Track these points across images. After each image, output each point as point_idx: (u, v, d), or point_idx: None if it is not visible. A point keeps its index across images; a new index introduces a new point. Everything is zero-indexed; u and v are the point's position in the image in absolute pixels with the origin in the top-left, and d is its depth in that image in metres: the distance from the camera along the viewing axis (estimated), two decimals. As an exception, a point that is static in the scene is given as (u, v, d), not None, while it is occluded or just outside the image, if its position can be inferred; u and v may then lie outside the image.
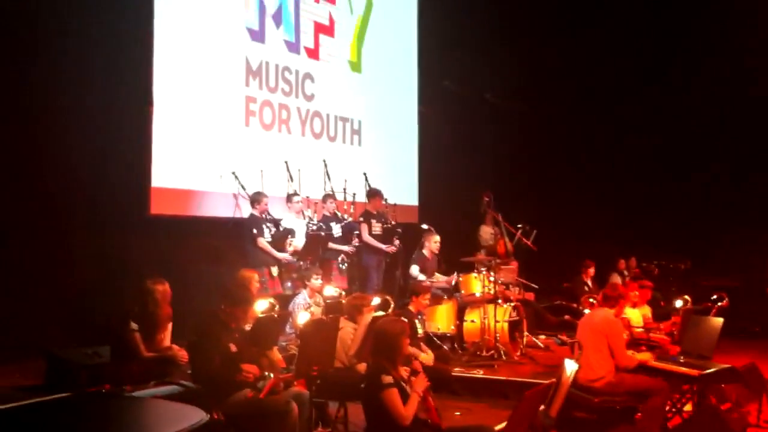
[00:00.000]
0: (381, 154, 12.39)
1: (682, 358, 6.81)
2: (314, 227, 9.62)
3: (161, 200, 8.99)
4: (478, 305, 9.40)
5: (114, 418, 4.22)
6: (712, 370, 6.37)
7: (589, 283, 12.12)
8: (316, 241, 9.42)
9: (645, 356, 6.83)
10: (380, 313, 6.87)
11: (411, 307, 8.29)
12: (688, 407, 7.09)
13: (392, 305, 7.69)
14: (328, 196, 10.07)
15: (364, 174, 10.99)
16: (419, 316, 8.75)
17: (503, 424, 5.13)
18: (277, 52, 10.63)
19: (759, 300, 9.04)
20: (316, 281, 8.16)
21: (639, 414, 6.61)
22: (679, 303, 9.10)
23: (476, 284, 9.65)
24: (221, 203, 9.57)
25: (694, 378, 6.42)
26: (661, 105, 15.41)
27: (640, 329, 7.98)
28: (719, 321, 6.96)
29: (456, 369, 8.36)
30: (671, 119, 15.38)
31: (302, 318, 7.45)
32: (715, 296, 8.51)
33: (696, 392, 6.92)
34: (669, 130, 15.40)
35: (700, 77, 14.95)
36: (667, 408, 6.83)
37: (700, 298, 9.31)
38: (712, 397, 6.82)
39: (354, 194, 10.80)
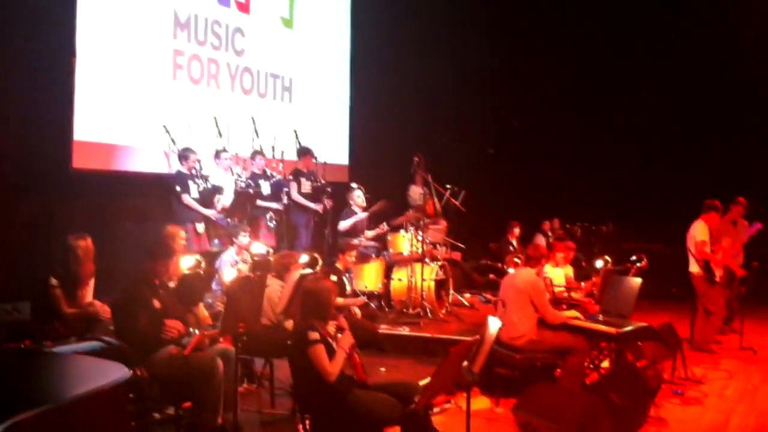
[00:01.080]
0: (312, 112, 12.28)
1: (601, 316, 7.01)
2: (243, 184, 9.52)
3: (84, 155, 8.72)
4: (406, 264, 9.49)
5: (34, 374, 4.12)
6: (629, 328, 6.59)
7: (515, 243, 12.35)
8: (245, 198, 9.32)
9: (572, 313, 7.01)
10: (308, 270, 6.87)
11: (338, 265, 8.33)
12: (605, 364, 7.34)
13: (320, 263, 7.70)
14: (257, 153, 9.95)
15: (295, 132, 10.89)
16: (347, 274, 8.80)
17: (428, 380, 5.23)
18: (206, 5, 10.36)
19: (677, 262, 9.34)
20: (243, 239, 8.09)
21: (559, 370, 6.82)
22: (600, 264, 9.32)
23: (404, 243, 9.72)
24: (147, 158, 9.36)
25: (612, 336, 6.63)
26: (589, 67, 15.66)
27: (562, 288, 8.17)
28: (638, 281, 7.18)
29: (383, 326, 8.45)
30: (597, 84, 15.65)
31: (229, 275, 7.39)
32: (634, 257, 8.75)
33: (614, 350, 7.16)
34: (595, 96, 15.68)
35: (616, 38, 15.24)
36: (586, 364, 7.05)
37: (621, 259, 9.57)
38: (630, 355, 7.05)
39: (282, 152, 10.69)
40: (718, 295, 9.01)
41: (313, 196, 10.26)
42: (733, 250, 9.27)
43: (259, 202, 9.60)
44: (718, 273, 8.89)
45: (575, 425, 5.59)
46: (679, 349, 7.45)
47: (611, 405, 5.91)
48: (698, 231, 8.87)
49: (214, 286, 7.66)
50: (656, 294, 9.17)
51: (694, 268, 8.95)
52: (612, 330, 6.58)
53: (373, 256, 9.90)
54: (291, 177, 10.22)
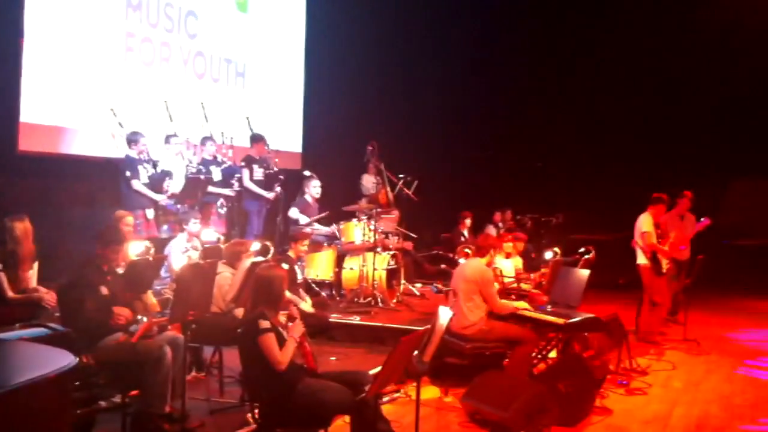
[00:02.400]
0: (265, 98, 12.18)
1: (549, 307, 7.09)
2: (193, 170, 9.40)
3: (31, 137, 8.55)
4: (358, 253, 9.49)
5: (-24, 361, 4.03)
6: (577, 319, 6.67)
7: (466, 233, 12.43)
8: (195, 184, 9.20)
9: (521, 304, 7.08)
10: (259, 258, 6.83)
11: (290, 253, 8.30)
12: (553, 354, 7.44)
13: (272, 251, 7.65)
14: (207, 139, 9.83)
15: (247, 118, 10.79)
16: (299, 263, 8.77)
17: (378, 369, 5.24)
18: (159, -14, 10.21)
19: (624, 254, 9.50)
20: (194, 225, 8.00)
21: (507, 360, 6.89)
22: (549, 255, 9.45)
23: (356, 232, 9.71)
24: (96, 142, 9.19)
25: (560, 327, 6.70)
26: (541, 59, 15.81)
27: (511, 279, 8.25)
28: (586, 273, 7.27)
29: (334, 315, 8.44)
30: (549, 77, 15.81)
31: (179, 262, 7.33)
32: (583, 249, 8.88)
33: (561, 340, 7.26)
34: (547, 90, 15.84)
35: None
36: (534, 354, 7.14)
37: (570, 250, 9.71)
38: (576, 345, 7.18)
39: (231, 138, 10.58)
40: (665, 286, 9.19)
41: (266, 184, 10.19)
42: (680, 244, 9.45)
43: (210, 189, 9.49)
44: (665, 265, 9.06)
45: (522, 414, 5.66)
46: (624, 340, 7.58)
47: (558, 394, 6.00)
48: (643, 222, 9.03)
49: (163, 273, 7.58)
50: (604, 285, 9.33)
51: (641, 259, 9.10)
52: (560, 321, 6.65)
53: (325, 244, 9.87)
54: (243, 163, 10.13)
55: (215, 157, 9.83)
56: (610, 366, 7.25)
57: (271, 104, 12.27)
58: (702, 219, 9.79)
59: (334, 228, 9.99)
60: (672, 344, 9.11)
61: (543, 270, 9.09)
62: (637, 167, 14.65)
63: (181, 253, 7.71)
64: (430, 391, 6.68)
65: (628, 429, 6.05)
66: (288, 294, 5.21)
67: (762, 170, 15.21)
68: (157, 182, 8.81)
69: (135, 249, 6.93)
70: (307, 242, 8.51)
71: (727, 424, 6.24)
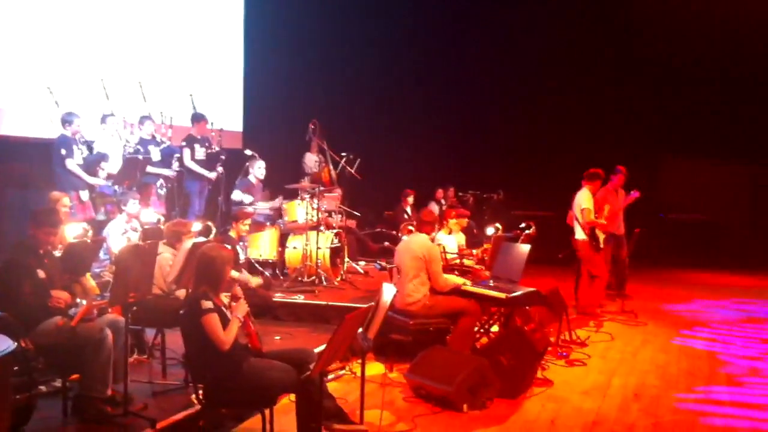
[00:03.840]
0: (205, 76, 11.98)
1: (492, 282, 7.20)
2: (131, 150, 9.23)
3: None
4: (301, 232, 9.47)
5: None
6: (518, 293, 6.78)
7: (409, 210, 12.50)
8: (134, 164, 9.04)
9: (460, 280, 7.16)
10: (201, 239, 6.76)
11: (232, 233, 8.23)
12: (495, 328, 7.56)
13: (214, 231, 7.59)
14: (145, 118, 9.64)
15: (190, 96, 10.60)
16: (241, 243, 8.71)
17: (323, 347, 5.25)
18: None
19: (563, 229, 9.66)
20: (133, 206, 7.87)
21: (450, 335, 6.97)
22: (491, 231, 9.54)
23: (299, 211, 9.67)
24: (29, 122, 8.95)
25: (502, 301, 6.82)
26: (477, 39, 15.90)
27: (454, 255, 8.33)
28: (527, 248, 7.39)
29: (277, 294, 8.42)
30: (488, 57, 15.91)
31: (118, 244, 7.20)
32: (523, 225, 8.99)
33: (503, 314, 7.38)
34: (486, 68, 15.94)
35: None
36: (477, 329, 7.24)
37: (511, 226, 9.82)
38: (518, 319, 7.29)
39: (171, 117, 10.40)
40: (602, 260, 9.39)
41: (207, 163, 10.06)
42: (613, 218, 9.64)
43: (149, 169, 9.33)
44: (602, 239, 9.25)
45: (465, 387, 5.76)
46: (564, 313, 7.73)
47: (500, 367, 6.11)
48: (583, 199, 9.19)
49: (102, 255, 7.46)
50: (544, 260, 9.47)
51: (579, 235, 9.27)
52: (502, 295, 6.76)
53: (268, 224, 9.82)
54: (184, 143, 9.98)
55: (154, 137, 9.65)
56: (550, 338, 7.39)
57: (210, 82, 12.08)
58: (631, 192, 9.99)
59: (279, 201, 9.91)
60: (610, 316, 9.32)
61: (485, 246, 9.19)
62: (574, 144, 14.89)
63: (120, 235, 7.59)
64: (375, 368, 6.73)
65: (568, 399, 6.19)
66: (233, 273, 5.18)
67: (694, 148, 15.64)
68: (91, 165, 8.62)
69: (73, 231, 6.80)
70: (248, 222, 8.45)
71: (664, 393, 6.43)
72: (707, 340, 8.43)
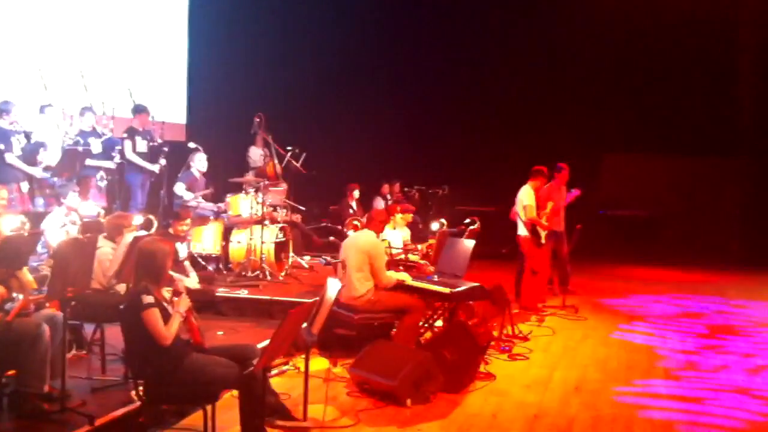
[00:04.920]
0: (148, 68, 11.77)
1: (436, 277, 7.24)
2: (70, 142, 9.02)
3: None
4: (245, 226, 9.38)
5: None
6: (462, 288, 6.83)
7: (354, 205, 12.48)
8: (73, 156, 8.83)
9: (403, 275, 7.18)
10: (142, 233, 6.64)
11: (170, 231, 8.07)
12: (440, 323, 7.61)
13: (155, 225, 7.46)
14: (86, 110, 9.43)
15: (129, 90, 10.40)
16: (182, 242, 8.54)
17: (266, 342, 5.22)
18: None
19: (507, 225, 9.77)
20: (72, 199, 7.69)
21: (395, 330, 6.99)
22: (435, 226, 9.60)
23: (244, 205, 9.59)
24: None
25: (446, 296, 6.86)
26: (420, 34, 15.98)
27: (399, 251, 8.35)
28: (471, 243, 7.45)
29: (221, 289, 8.34)
30: (432, 54, 16.00)
31: (56, 237, 7.03)
32: (468, 220, 9.07)
33: (448, 309, 7.42)
34: (433, 64, 16.03)
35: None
36: (421, 323, 7.28)
37: (456, 221, 9.89)
38: (462, 313, 7.36)
39: (113, 108, 10.20)
40: (544, 256, 9.51)
41: (149, 156, 9.89)
42: (556, 214, 9.77)
43: (89, 161, 9.12)
44: (544, 235, 9.37)
45: (409, 382, 5.78)
46: (507, 308, 7.82)
47: (444, 361, 6.15)
48: (525, 195, 9.29)
49: (39, 248, 7.28)
50: (488, 255, 9.57)
51: (522, 231, 9.38)
52: (446, 290, 6.80)
53: (212, 218, 9.70)
54: (125, 135, 9.79)
55: (95, 129, 9.45)
56: (493, 333, 7.48)
57: (153, 74, 11.87)
58: (572, 190, 10.12)
59: (221, 205, 9.82)
60: (552, 311, 9.45)
61: (430, 241, 9.24)
62: (518, 141, 15.08)
63: (58, 228, 7.40)
64: (319, 363, 6.70)
65: (510, 393, 6.26)
66: (172, 274, 5.09)
67: (633, 144, 15.99)
68: (30, 154, 8.40)
69: (9, 224, 6.61)
70: (188, 221, 8.27)
71: (603, 387, 6.54)
72: (645, 335, 8.61)
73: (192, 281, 7.42)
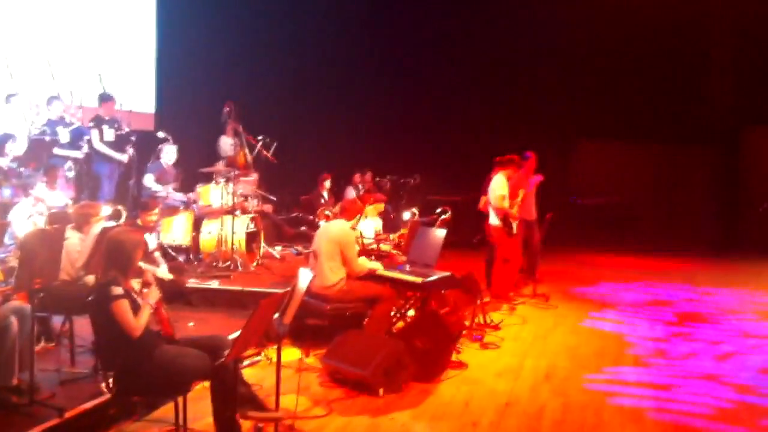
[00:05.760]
0: (116, 57, 11.61)
1: (408, 266, 7.25)
2: (37, 131, 8.88)
3: None
4: (216, 216, 9.32)
5: None
6: (434, 278, 6.85)
7: (326, 195, 12.44)
8: (40, 146, 8.70)
9: (375, 264, 7.18)
10: (111, 223, 6.57)
11: (139, 221, 7.98)
12: (411, 312, 7.62)
13: (124, 216, 7.38)
14: (53, 99, 9.29)
15: (99, 76, 10.26)
16: (155, 230, 8.47)
17: (238, 333, 5.19)
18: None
19: (478, 214, 9.80)
20: (39, 189, 7.58)
21: (367, 320, 6.99)
22: (407, 215, 9.61)
23: (214, 195, 9.52)
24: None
25: (417, 285, 6.88)
26: (391, 25, 15.97)
27: (371, 240, 8.34)
28: (442, 233, 7.46)
29: (191, 280, 8.28)
30: (403, 43, 16.00)
31: (23, 228, 6.93)
32: (440, 210, 9.08)
33: (419, 298, 7.43)
34: (401, 55, 16.04)
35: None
36: (393, 313, 7.28)
37: (427, 211, 9.89)
38: (434, 303, 7.37)
39: (81, 98, 10.04)
40: (515, 245, 9.55)
41: (117, 145, 9.78)
42: (526, 203, 9.80)
43: (57, 151, 9.00)
44: (515, 225, 9.40)
45: (380, 371, 5.79)
46: (479, 297, 7.85)
47: (416, 350, 6.17)
48: (499, 185, 9.30)
49: (6, 239, 7.17)
50: (459, 244, 9.58)
51: (493, 220, 9.40)
52: (418, 280, 6.82)
53: (182, 208, 9.62)
54: (92, 124, 9.66)
55: (62, 118, 9.32)
56: (465, 322, 7.51)
57: (122, 62, 11.71)
58: (534, 176, 10.10)
59: (191, 195, 9.74)
60: (522, 300, 9.51)
61: (402, 230, 9.25)
62: (489, 129, 15.13)
63: (25, 219, 7.29)
64: (291, 353, 6.69)
65: (482, 381, 6.30)
66: (142, 264, 5.04)
67: (603, 132, 16.12)
68: (-3, 146, 8.28)
69: (-26, 215, 6.52)
70: (156, 211, 8.17)
71: (573, 374, 6.60)
72: (615, 322, 8.70)
73: (162, 272, 7.35)
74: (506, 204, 9.24)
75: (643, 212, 16.51)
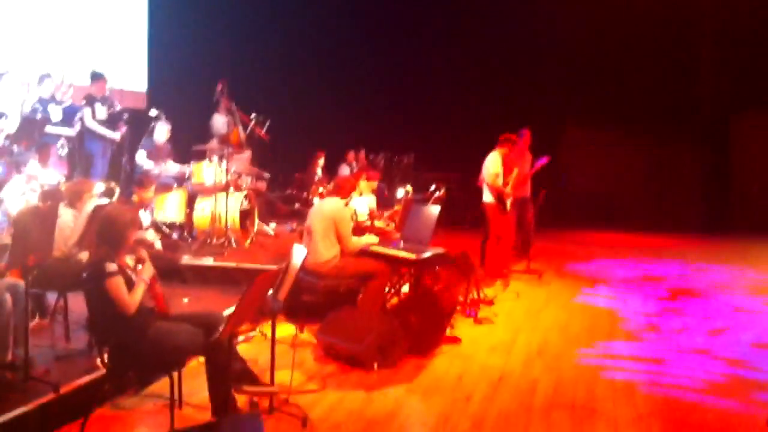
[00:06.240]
0: (107, 35, 11.53)
1: (402, 243, 7.26)
2: (29, 109, 8.84)
3: None
4: (209, 194, 9.30)
5: None
6: (427, 254, 6.87)
7: (319, 172, 12.43)
8: (32, 124, 8.66)
9: (369, 239, 7.20)
10: (104, 200, 6.56)
11: (134, 198, 7.98)
12: (405, 289, 7.65)
13: (117, 193, 7.37)
14: (45, 77, 9.24)
15: (89, 55, 10.18)
16: (146, 209, 8.45)
17: (232, 309, 5.20)
18: None
19: (472, 191, 9.81)
20: (32, 167, 7.56)
21: (361, 295, 7.01)
22: (401, 193, 9.60)
23: (207, 173, 9.50)
24: None
25: (411, 262, 6.90)
26: (387, 4, 15.89)
27: (365, 217, 8.35)
28: (436, 210, 7.47)
29: (185, 257, 8.28)
30: (399, 22, 15.93)
31: (16, 205, 6.92)
32: (433, 187, 9.08)
33: (413, 275, 7.46)
34: (397, 33, 15.96)
35: None
36: (387, 290, 7.31)
37: (421, 188, 9.90)
38: (428, 279, 7.40)
39: (72, 76, 9.98)
40: (509, 222, 9.57)
41: (110, 123, 9.73)
42: (523, 182, 9.82)
43: (49, 129, 8.96)
44: (509, 202, 9.42)
45: (374, 346, 5.82)
46: (472, 273, 7.88)
47: (410, 326, 6.20)
48: (493, 163, 9.30)
49: (-1, 217, 7.17)
50: (453, 221, 9.60)
51: (487, 197, 9.41)
52: (411, 256, 6.84)
53: (175, 185, 9.60)
54: (84, 102, 9.62)
55: (54, 96, 9.27)
56: (459, 298, 7.54)
57: (113, 41, 11.63)
58: (540, 158, 10.10)
59: (184, 170, 9.72)
60: (516, 276, 9.55)
61: (396, 208, 9.25)
62: (482, 108, 15.11)
63: (18, 196, 7.28)
64: (286, 329, 6.73)
65: (475, 356, 6.33)
66: (139, 233, 5.04)
67: (595, 116, 16.17)
68: (-12, 122, 8.23)
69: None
70: (152, 188, 8.17)
71: (566, 349, 6.65)
72: (608, 298, 8.75)
73: (157, 243, 7.34)
74: (500, 182, 9.26)
75: (633, 195, 16.56)
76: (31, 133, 8.63)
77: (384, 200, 10.43)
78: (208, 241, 9.03)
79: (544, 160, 10.02)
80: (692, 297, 8.93)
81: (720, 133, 16.28)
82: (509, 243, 9.67)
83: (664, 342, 6.98)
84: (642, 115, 15.98)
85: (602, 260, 11.20)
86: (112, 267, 4.44)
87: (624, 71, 15.98)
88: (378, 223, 8.66)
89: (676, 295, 8.97)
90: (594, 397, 5.48)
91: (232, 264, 8.21)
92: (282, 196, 12.08)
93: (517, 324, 7.46)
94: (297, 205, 11.19)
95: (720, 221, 15.35)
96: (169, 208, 9.29)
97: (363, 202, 9.04)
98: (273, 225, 10.59)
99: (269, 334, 5.15)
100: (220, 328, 4.64)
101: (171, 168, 9.81)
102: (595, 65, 15.82)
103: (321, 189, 10.10)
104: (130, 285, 4.50)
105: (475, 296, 7.98)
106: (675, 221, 15.36)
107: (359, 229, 7.93)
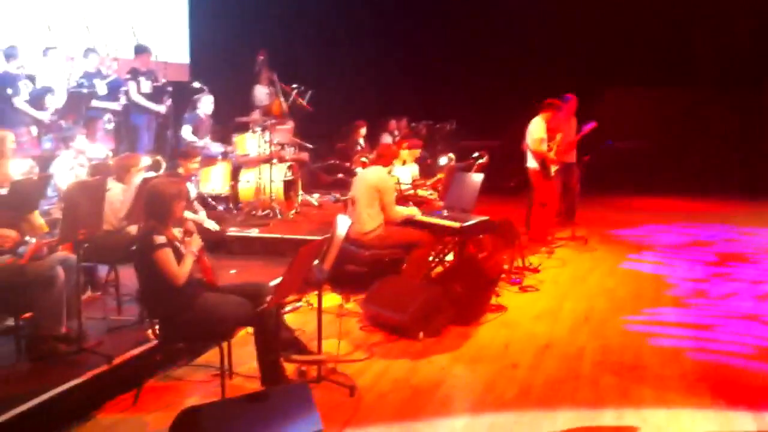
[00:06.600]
0: (149, 7, 11.60)
1: (445, 212, 7.25)
2: (75, 84, 8.96)
3: None
4: (253, 165, 9.37)
5: None
6: (471, 222, 6.85)
7: (362, 142, 12.41)
8: (78, 99, 8.79)
9: (412, 210, 7.20)
10: (151, 173, 6.65)
11: (180, 170, 8.05)
12: (450, 257, 7.65)
13: (164, 166, 7.45)
14: (90, 51, 9.35)
15: (132, 29, 10.27)
16: (193, 179, 8.55)
17: (278, 280, 5.26)
18: None
19: (515, 158, 9.71)
20: (80, 141, 7.68)
21: (405, 265, 7.04)
22: (443, 161, 9.56)
23: (251, 144, 9.56)
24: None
25: (455, 230, 6.88)
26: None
27: (408, 186, 8.34)
28: (479, 177, 7.43)
29: (231, 228, 8.37)
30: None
31: (66, 180, 7.04)
32: (476, 154, 9.02)
33: (457, 243, 7.45)
34: (439, 1, 15.82)
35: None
36: (431, 258, 7.32)
37: (464, 156, 9.83)
38: (472, 247, 7.39)
39: (116, 49, 10.08)
40: (553, 188, 9.48)
41: (154, 96, 9.83)
42: (566, 146, 9.69)
43: (95, 103, 9.09)
44: (554, 168, 9.33)
45: (419, 315, 5.84)
46: (517, 241, 7.85)
47: (454, 294, 6.20)
48: (537, 128, 9.21)
49: (50, 192, 7.29)
50: (496, 188, 9.52)
51: (531, 163, 9.34)
52: (455, 224, 6.82)
53: (219, 158, 9.69)
54: (129, 76, 9.72)
55: (99, 70, 9.38)
56: (504, 265, 7.52)
57: (155, 13, 11.70)
58: (588, 123, 9.91)
59: (228, 147, 9.80)
60: (561, 242, 9.48)
61: (438, 176, 9.22)
62: (523, 74, 14.92)
63: (67, 171, 7.41)
64: (331, 299, 6.78)
65: (521, 324, 6.33)
66: (187, 213, 5.09)
67: (634, 78, 15.87)
68: (37, 99, 8.38)
69: (18, 168, 6.62)
70: (198, 159, 8.23)
71: (612, 316, 6.60)
72: (654, 264, 8.64)
73: (208, 223, 7.40)
74: (544, 147, 9.17)
75: (673, 156, 16.26)
76: (78, 107, 8.76)
77: (427, 168, 10.40)
78: (253, 212, 9.12)
79: (591, 125, 9.83)
80: (740, 262, 8.78)
81: (756, 91, 15.87)
82: (553, 209, 9.58)
83: (712, 307, 6.89)
84: (679, 73, 15.71)
85: (647, 226, 11.04)
86: (160, 239, 4.51)
87: (666, 34, 15.63)
88: (421, 192, 8.66)
89: (725, 260, 8.82)
90: (641, 364, 5.45)
91: (277, 235, 8.28)
92: (325, 166, 12.09)
93: (563, 291, 7.42)
94: (340, 175, 11.20)
95: (763, 182, 14.99)
96: (214, 180, 9.39)
97: (406, 170, 9.04)
98: (316, 195, 10.63)
99: (315, 304, 5.21)
100: (267, 299, 4.70)
101: (215, 147, 9.88)
102: (635, 26, 15.49)
103: (363, 158, 10.09)
104: (179, 257, 4.57)
105: (520, 264, 7.95)
106: (718, 182, 15.05)
107: (403, 198, 7.93)
